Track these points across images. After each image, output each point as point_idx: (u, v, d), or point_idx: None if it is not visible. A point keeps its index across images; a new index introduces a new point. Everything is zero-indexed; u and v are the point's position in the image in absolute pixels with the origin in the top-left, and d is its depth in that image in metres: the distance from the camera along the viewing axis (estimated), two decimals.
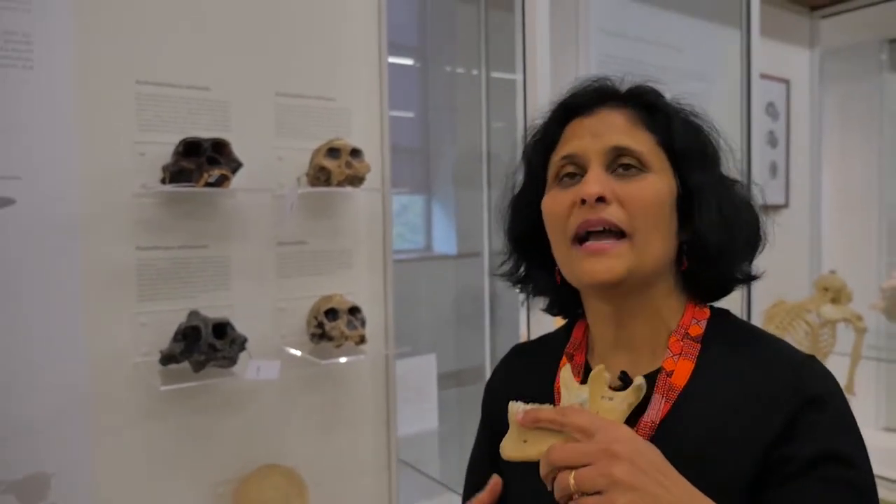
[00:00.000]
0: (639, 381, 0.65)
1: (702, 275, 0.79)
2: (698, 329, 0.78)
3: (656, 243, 0.75)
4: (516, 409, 0.67)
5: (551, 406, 0.66)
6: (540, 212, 0.81)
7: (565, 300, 0.88)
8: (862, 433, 0.72)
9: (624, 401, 0.65)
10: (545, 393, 0.84)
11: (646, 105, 0.79)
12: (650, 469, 0.59)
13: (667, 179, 0.76)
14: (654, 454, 0.61)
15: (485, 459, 0.91)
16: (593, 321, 0.84)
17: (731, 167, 0.83)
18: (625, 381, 0.75)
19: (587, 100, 0.80)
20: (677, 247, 0.78)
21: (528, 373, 0.91)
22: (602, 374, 0.65)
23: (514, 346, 1.00)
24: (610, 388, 0.65)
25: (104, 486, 1.44)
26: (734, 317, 0.83)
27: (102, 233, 1.43)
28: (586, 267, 0.74)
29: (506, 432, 0.69)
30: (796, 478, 0.66)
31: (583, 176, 0.76)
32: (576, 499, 0.58)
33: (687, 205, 0.77)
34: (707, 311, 0.81)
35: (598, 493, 0.57)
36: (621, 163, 0.75)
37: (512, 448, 0.66)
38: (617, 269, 0.73)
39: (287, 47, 1.66)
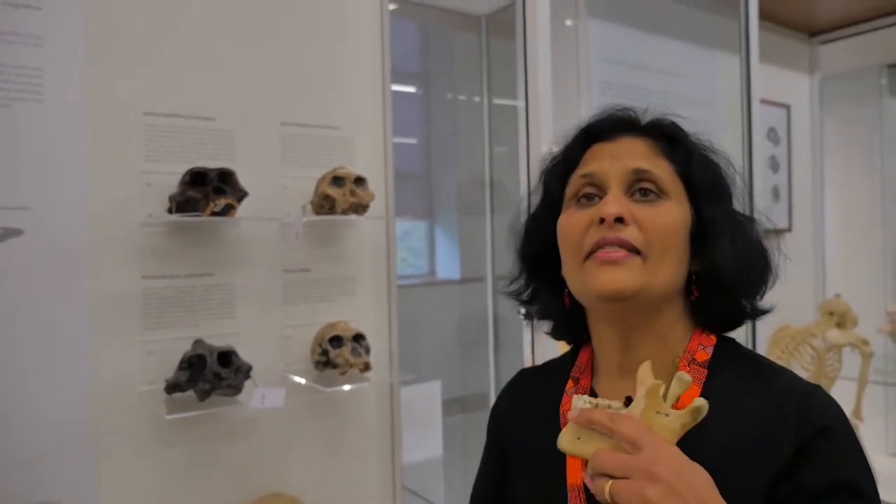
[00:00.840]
0: (699, 402, 0.64)
1: (712, 306, 0.80)
2: (705, 355, 0.78)
3: (668, 267, 0.75)
4: (579, 403, 0.69)
5: (612, 405, 0.68)
6: (553, 233, 0.82)
7: (571, 324, 0.88)
8: (870, 459, 0.72)
9: (678, 420, 0.64)
10: (551, 417, 0.84)
11: (667, 136, 0.81)
12: (688, 493, 0.59)
13: (683, 208, 0.78)
14: (698, 477, 0.61)
15: (490, 486, 0.91)
16: (599, 345, 0.84)
17: (743, 203, 0.84)
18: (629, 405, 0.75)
19: (609, 126, 0.83)
20: (687, 276, 0.79)
21: (533, 397, 0.91)
22: (659, 388, 0.65)
23: (520, 371, 1.00)
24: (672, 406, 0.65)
25: None
26: (740, 345, 0.83)
27: (109, 262, 1.44)
28: (599, 276, 0.74)
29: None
30: None
31: (601, 197, 0.77)
32: None
33: (700, 236, 0.78)
34: (713, 338, 0.81)
35: None
36: (640, 187, 0.76)
37: (567, 442, 0.68)
38: (629, 282, 0.73)
39: (291, 77, 1.69)
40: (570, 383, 0.86)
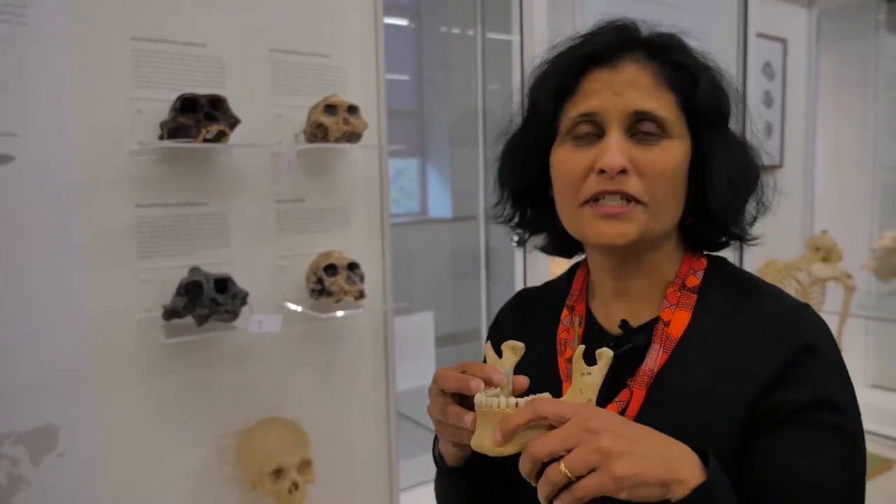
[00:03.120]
0: (608, 354, 0.67)
1: (703, 231, 0.80)
2: (695, 280, 0.79)
3: (670, 209, 0.75)
4: (481, 399, 0.66)
5: (501, 399, 0.66)
6: (545, 161, 0.79)
7: (565, 242, 0.87)
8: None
9: (599, 373, 0.68)
10: (548, 339, 0.86)
11: (672, 62, 0.75)
12: (626, 432, 0.60)
13: (685, 144, 0.75)
14: (619, 419, 0.63)
15: None
16: (594, 270, 0.85)
17: (741, 126, 0.81)
18: (625, 329, 0.78)
19: (608, 48, 0.75)
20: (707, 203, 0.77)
21: (532, 319, 0.92)
22: (580, 355, 0.69)
23: (521, 291, 1.01)
24: (584, 362, 0.69)
25: (111, 439, 1.48)
26: (731, 265, 0.84)
27: (101, 190, 1.44)
28: (599, 228, 0.73)
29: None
30: (787, 422, 0.68)
31: (600, 136, 0.74)
32: (569, 490, 0.58)
33: (697, 165, 0.76)
34: (703, 262, 0.81)
35: (592, 470, 0.57)
36: (642, 129, 0.73)
37: (491, 445, 0.65)
38: (630, 234, 0.73)
39: (281, 3, 1.65)
40: (564, 312, 0.86)
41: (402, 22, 3.20)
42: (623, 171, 0.71)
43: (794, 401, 0.68)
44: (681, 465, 0.59)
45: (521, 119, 0.84)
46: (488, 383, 0.69)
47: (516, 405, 0.64)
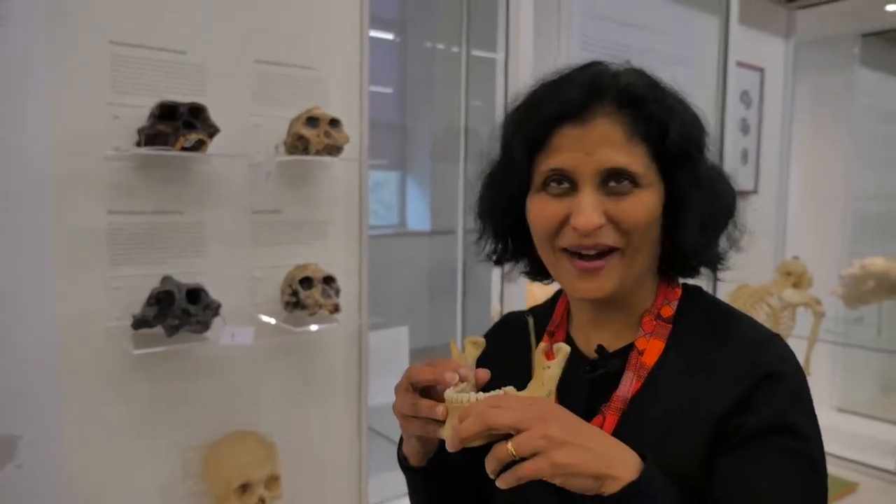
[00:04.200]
0: (566, 349, 0.71)
1: (676, 258, 0.82)
2: (669, 310, 0.81)
3: (645, 254, 0.77)
4: (452, 395, 0.70)
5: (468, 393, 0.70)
6: (522, 204, 0.80)
7: (545, 268, 0.87)
8: (818, 411, 0.75)
9: (558, 366, 0.71)
10: (527, 365, 0.86)
11: (642, 114, 0.75)
12: (576, 425, 0.64)
13: (657, 191, 0.76)
14: (571, 415, 0.67)
15: None
16: (572, 301, 0.88)
17: (719, 153, 0.84)
18: (601, 353, 0.81)
19: (577, 105, 0.74)
20: (680, 242, 0.78)
21: (515, 342, 0.94)
22: (541, 351, 0.72)
23: (506, 315, 1.03)
24: (547, 358, 0.72)
25: (73, 449, 1.44)
26: (706, 295, 0.85)
27: (74, 196, 1.41)
28: (577, 286, 0.77)
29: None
30: (747, 444, 0.70)
31: (573, 187, 0.74)
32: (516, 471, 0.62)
33: (670, 204, 0.77)
34: (678, 292, 0.83)
35: (536, 454, 0.61)
36: (615, 182, 0.73)
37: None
38: (607, 288, 0.75)
39: (266, 13, 1.63)
40: (545, 338, 0.88)
41: (388, 36, 3.20)
42: (597, 228, 0.74)
43: (755, 423, 0.70)
44: (619, 463, 0.63)
45: (499, 159, 0.84)
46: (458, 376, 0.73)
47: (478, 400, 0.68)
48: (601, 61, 0.80)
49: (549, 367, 0.71)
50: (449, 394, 0.70)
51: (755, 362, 0.72)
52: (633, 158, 0.74)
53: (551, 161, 0.76)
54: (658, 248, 0.79)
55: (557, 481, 0.62)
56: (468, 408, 0.67)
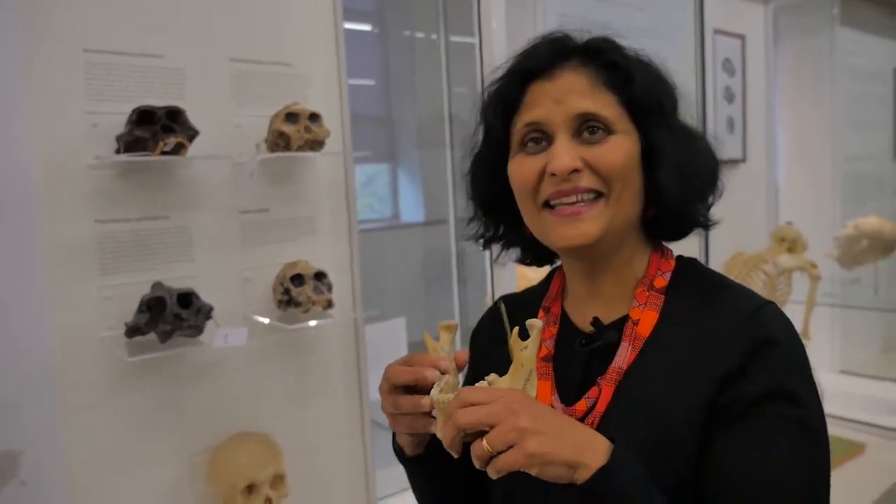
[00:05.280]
0: (538, 324, 0.71)
1: (662, 221, 0.82)
2: (662, 281, 0.81)
3: (628, 200, 0.77)
4: (443, 400, 0.71)
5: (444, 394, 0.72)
6: (504, 174, 0.82)
7: (538, 251, 0.91)
8: (819, 377, 0.75)
9: (533, 344, 0.71)
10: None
11: (606, 63, 0.78)
12: (545, 415, 0.65)
13: (632, 138, 0.77)
14: (540, 405, 0.68)
15: None
16: (567, 272, 0.88)
17: (687, 115, 0.84)
18: (597, 326, 0.81)
19: (545, 61, 0.79)
20: (655, 193, 0.79)
21: (511, 323, 0.94)
22: (516, 335, 0.72)
23: (500, 297, 1.03)
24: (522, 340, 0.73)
25: (76, 463, 1.43)
26: (699, 265, 0.86)
27: (59, 206, 1.40)
28: (560, 231, 0.77)
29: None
30: (745, 415, 0.70)
31: (549, 142, 0.77)
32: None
33: (648, 157, 0.79)
34: (672, 263, 0.83)
35: (511, 447, 0.62)
36: (587, 127, 0.76)
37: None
38: (592, 232, 0.75)
39: (239, 12, 1.62)
40: (540, 313, 0.89)
41: (367, 27, 3.18)
42: (574, 171, 0.75)
43: (752, 393, 0.70)
44: (589, 451, 0.64)
45: (482, 135, 0.87)
46: (438, 370, 0.75)
47: None
48: (566, 31, 0.83)
49: (525, 348, 0.71)
50: (434, 395, 0.72)
51: (750, 330, 0.73)
52: (602, 104, 0.76)
53: (525, 117, 0.79)
54: (639, 201, 0.79)
55: (534, 471, 0.63)
56: (445, 409, 0.68)
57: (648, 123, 0.78)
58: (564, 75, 0.77)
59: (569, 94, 0.76)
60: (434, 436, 0.82)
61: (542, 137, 0.78)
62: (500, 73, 0.83)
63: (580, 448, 0.63)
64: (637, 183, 0.78)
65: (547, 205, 0.77)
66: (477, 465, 0.65)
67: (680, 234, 0.85)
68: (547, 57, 0.79)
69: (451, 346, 0.78)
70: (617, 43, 0.81)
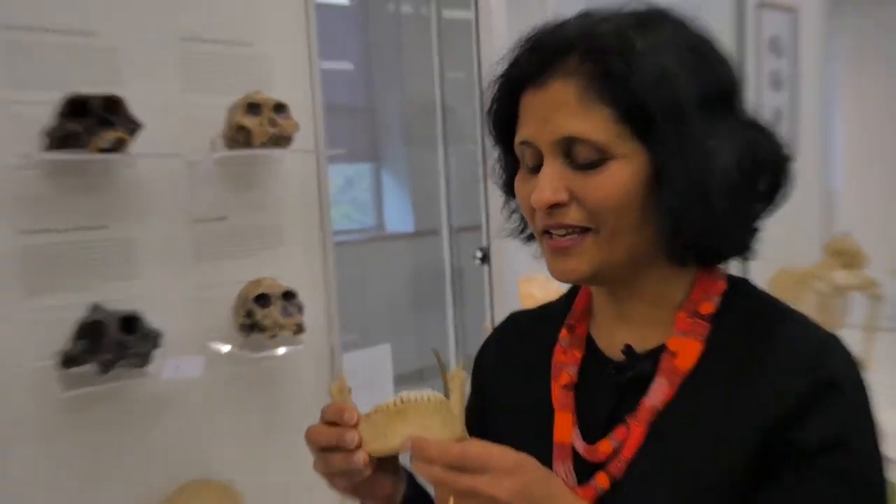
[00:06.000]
0: (460, 374, 0.77)
1: (697, 247, 0.79)
2: (710, 307, 0.80)
3: (626, 237, 0.76)
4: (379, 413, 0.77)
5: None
6: None
7: None
8: (882, 413, 0.75)
9: (457, 395, 0.77)
10: (543, 369, 0.89)
11: (601, 69, 0.74)
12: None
13: (633, 162, 0.74)
14: (541, 493, 0.69)
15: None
16: (594, 291, 0.89)
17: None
18: (629, 354, 0.81)
19: (534, 66, 0.77)
20: (664, 223, 0.76)
21: (524, 343, 0.95)
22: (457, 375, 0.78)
23: (510, 315, 1.05)
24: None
25: None
26: (753, 288, 0.85)
27: None
28: (552, 265, 0.79)
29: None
30: (798, 467, 0.70)
31: (542, 163, 0.77)
32: None
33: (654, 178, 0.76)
34: (722, 285, 0.82)
35: None
36: (578, 154, 0.75)
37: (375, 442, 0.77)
38: (581, 269, 0.77)
39: None
40: (564, 331, 0.90)
41: (343, 0, 3.21)
42: (557, 206, 0.75)
43: (808, 441, 0.70)
44: None
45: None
46: (344, 422, 0.78)
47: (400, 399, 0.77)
48: (592, 11, 0.79)
49: (452, 392, 0.76)
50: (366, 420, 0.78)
51: (811, 369, 0.73)
52: (592, 124, 0.74)
53: (519, 133, 0.80)
54: (645, 232, 0.77)
55: None
56: (416, 447, 0.71)
57: (653, 136, 0.74)
58: (555, 84, 0.75)
59: (555, 110, 0.75)
60: (408, 491, 0.87)
61: (537, 158, 0.78)
62: (497, 74, 0.83)
63: None
64: (638, 214, 0.75)
65: (546, 230, 0.79)
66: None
67: (715, 260, 0.83)
68: (536, 60, 0.77)
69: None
70: (638, 24, 0.76)
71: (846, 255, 2.75)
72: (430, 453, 0.69)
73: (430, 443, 0.70)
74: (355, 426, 0.77)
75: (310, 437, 0.80)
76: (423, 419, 0.76)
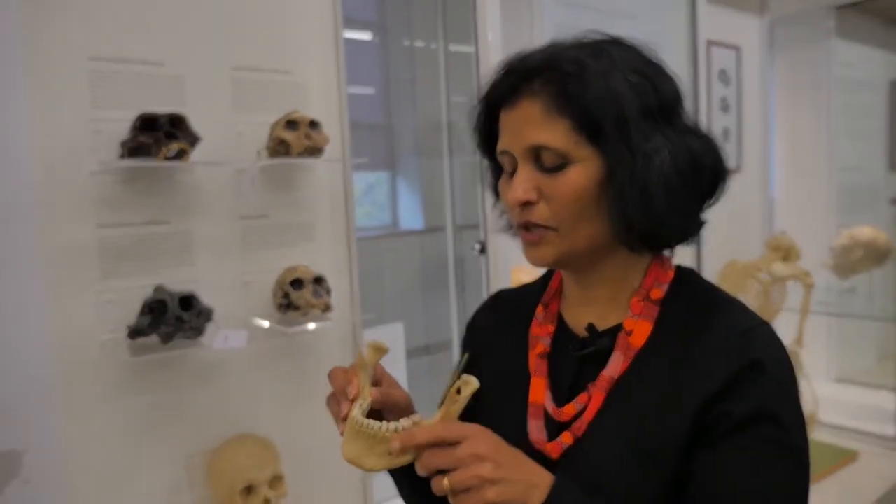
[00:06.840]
0: (473, 383, 0.73)
1: (648, 236, 0.79)
2: (659, 292, 0.81)
3: (583, 230, 0.78)
4: (367, 425, 0.74)
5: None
6: None
7: None
8: (814, 385, 0.76)
9: (465, 400, 0.74)
10: (521, 340, 0.90)
11: (560, 87, 0.75)
12: (506, 462, 0.68)
13: (589, 165, 0.75)
14: (507, 447, 0.70)
15: None
16: (563, 276, 0.90)
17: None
18: (592, 332, 0.82)
19: (507, 90, 0.79)
20: (615, 215, 0.77)
21: (507, 319, 0.96)
22: (453, 390, 0.74)
23: (497, 292, 1.05)
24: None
25: (77, 462, 1.46)
26: (698, 278, 0.86)
27: (62, 212, 1.43)
28: (526, 253, 0.82)
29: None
30: (729, 436, 0.71)
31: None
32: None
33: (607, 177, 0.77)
34: (670, 274, 0.83)
35: (468, 489, 0.66)
36: (544, 159, 0.76)
37: (377, 462, 0.74)
38: (546, 257, 0.79)
39: (239, 21, 1.66)
40: (539, 308, 0.91)
41: (367, 36, 3.21)
42: (528, 204, 0.77)
43: (738, 412, 0.71)
44: (535, 490, 0.67)
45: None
46: (346, 395, 0.78)
47: (395, 430, 0.72)
48: (557, 41, 0.81)
49: (457, 402, 0.74)
50: (355, 416, 0.75)
51: (740, 349, 0.73)
52: (554, 134, 0.75)
53: (499, 144, 0.81)
54: (600, 226, 0.78)
55: None
56: (405, 439, 0.70)
57: (604, 143, 0.75)
58: (524, 103, 0.77)
59: (524, 124, 0.77)
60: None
61: (515, 164, 0.80)
62: (480, 97, 0.85)
63: (528, 488, 0.67)
64: (594, 211, 0.76)
65: (521, 225, 0.81)
66: (436, 493, 0.68)
67: (663, 247, 0.83)
68: (508, 84, 0.79)
69: (374, 366, 0.82)
70: (592, 51, 0.77)
71: (784, 250, 2.76)
72: (419, 439, 0.69)
73: (418, 430, 0.71)
74: (353, 401, 0.78)
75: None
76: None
